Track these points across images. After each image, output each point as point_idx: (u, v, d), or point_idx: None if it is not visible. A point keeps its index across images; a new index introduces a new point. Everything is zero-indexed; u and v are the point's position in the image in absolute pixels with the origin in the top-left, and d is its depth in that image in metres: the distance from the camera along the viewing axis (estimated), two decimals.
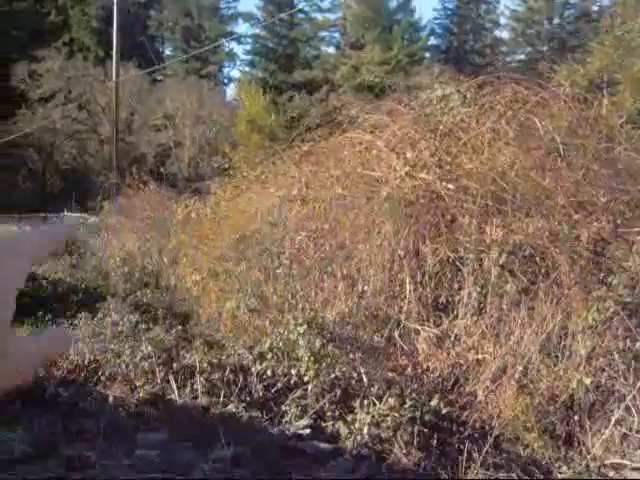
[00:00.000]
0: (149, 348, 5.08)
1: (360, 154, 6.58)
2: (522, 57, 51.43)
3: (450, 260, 5.66)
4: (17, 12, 46.15)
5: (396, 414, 4.33)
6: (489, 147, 5.85)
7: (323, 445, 4.33)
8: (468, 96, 5.84)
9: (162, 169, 31.07)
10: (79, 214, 17.57)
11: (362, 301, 5.92)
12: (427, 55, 53.05)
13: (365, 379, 4.99)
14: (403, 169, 5.28)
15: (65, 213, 18.86)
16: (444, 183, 5.58)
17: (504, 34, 54.60)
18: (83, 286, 8.33)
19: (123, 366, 4.80)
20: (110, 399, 4.50)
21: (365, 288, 5.90)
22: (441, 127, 6.10)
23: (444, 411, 4.70)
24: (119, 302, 6.48)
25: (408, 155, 5.36)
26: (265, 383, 4.77)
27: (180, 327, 5.77)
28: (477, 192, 5.37)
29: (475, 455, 4.24)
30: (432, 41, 56.14)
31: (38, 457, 3.35)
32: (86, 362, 4.99)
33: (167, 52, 56.99)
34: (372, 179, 6.15)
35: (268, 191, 7.41)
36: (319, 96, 46.14)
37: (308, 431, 4.42)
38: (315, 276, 6.34)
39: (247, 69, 58.36)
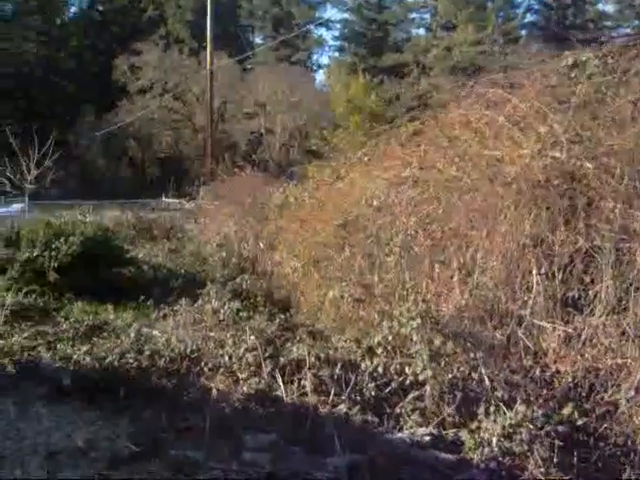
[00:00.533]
0: (252, 338, 4.80)
1: (476, 132, 5.96)
2: (629, 31, 47.50)
3: (583, 250, 4.96)
4: (117, 9, 48.39)
5: (531, 425, 3.77)
6: (632, 120, 5.06)
7: (444, 455, 3.86)
8: (610, 61, 5.07)
9: (254, 156, 31.42)
10: (176, 200, 17.94)
11: (480, 293, 5.34)
12: (524, 33, 50.34)
13: (487, 381, 4.45)
14: (535, 146, 4.63)
15: (163, 199, 19.36)
16: (579, 162, 4.87)
17: (608, 7, 50.61)
18: (182, 271, 8.27)
19: (226, 357, 4.53)
20: (214, 392, 4.24)
21: (484, 279, 5.31)
22: (573, 99, 5.36)
23: (579, 422, 4.08)
24: (219, 289, 6.27)
25: (541, 130, 4.69)
26: (377, 382, 4.34)
27: (282, 316, 5.45)
28: (622, 172, 4.64)
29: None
30: (529, 18, 53.16)
31: (143, 457, 3.12)
32: (188, 351, 4.77)
33: (258, 41, 57.64)
34: (492, 159, 5.52)
35: (372, 173, 6.95)
36: (410, 80, 45.07)
37: (428, 438, 3.96)
38: (425, 265, 5.82)
39: (336, 55, 58.07)
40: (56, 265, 6.86)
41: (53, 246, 6.97)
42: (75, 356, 4.42)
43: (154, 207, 15.95)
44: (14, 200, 14.04)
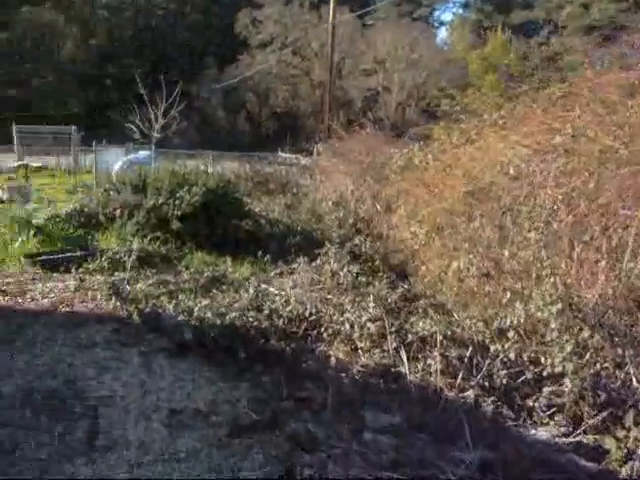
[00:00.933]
0: (371, 305, 4.55)
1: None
2: None
3: None
4: None
5: None
6: None
7: (585, 463, 3.43)
8: None
9: (369, 114, 30.77)
10: (293, 155, 17.97)
11: (630, 282, 4.71)
12: None
13: (635, 383, 3.93)
14: None
15: (279, 153, 19.49)
16: None
17: None
18: (299, 228, 8.15)
19: (347, 325, 4.31)
20: (332, 360, 4.05)
21: (637, 267, 4.68)
22: None
23: None
24: (338, 250, 6.06)
25: None
26: (509, 370, 3.95)
27: (405, 286, 5.15)
28: None
29: None
30: None
31: (264, 426, 2.98)
32: (307, 313, 4.61)
33: None
34: None
35: (509, 139, 6.34)
36: (539, 39, 41.87)
37: (566, 440, 3.55)
38: (565, 244, 5.24)
39: (460, 11, 55.31)
40: (179, 214, 6.96)
41: (177, 195, 7.08)
42: (196, 309, 4.40)
43: (271, 161, 16.04)
44: (141, 147, 14.66)
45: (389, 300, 4.82)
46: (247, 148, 26.43)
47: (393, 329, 4.07)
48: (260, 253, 6.40)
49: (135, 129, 11.09)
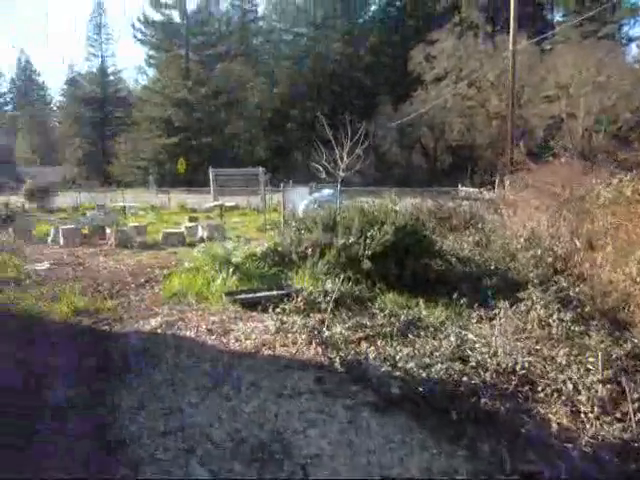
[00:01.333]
0: (599, 361, 3.96)
1: None
2: None
3: None
4: (413, 2, 49.61)
5: None
6: None
7: None
8: None
9: (552, 143, 28.78)
10: (475, 189, 17.33)
11: None
12: None
13: None
14: None
15: (460, 187, 18.96)
16: None
17: None
18: (492, 267, 7.61)
19: (569, 385, 3.78)
20: (553, 427, 3.54)
21: None
22: None
23: None
24: (544, 293, 5.48)
25: None
26: None
27: (635, 340, 4.45)
28: None
29: None
30: None
31: None
32: (517, 367, 4.15)
33: (557, 18, 53.06)
34: None
35: None
36: None
37: None
38: None
39: None
40: (369, 253, 6.86)
41: (368, 234, 7.00)
42: (398, 358, 4.19)
43: (453, 196, 15.58)
44: (324, 186, 15.14)
45: (614, 356, 4.18)
46: (423, 183, 26.27)
47: (636, 395, 3.46)
48: (455, 295, 6.01)
49: (321, 169, 11.43)
